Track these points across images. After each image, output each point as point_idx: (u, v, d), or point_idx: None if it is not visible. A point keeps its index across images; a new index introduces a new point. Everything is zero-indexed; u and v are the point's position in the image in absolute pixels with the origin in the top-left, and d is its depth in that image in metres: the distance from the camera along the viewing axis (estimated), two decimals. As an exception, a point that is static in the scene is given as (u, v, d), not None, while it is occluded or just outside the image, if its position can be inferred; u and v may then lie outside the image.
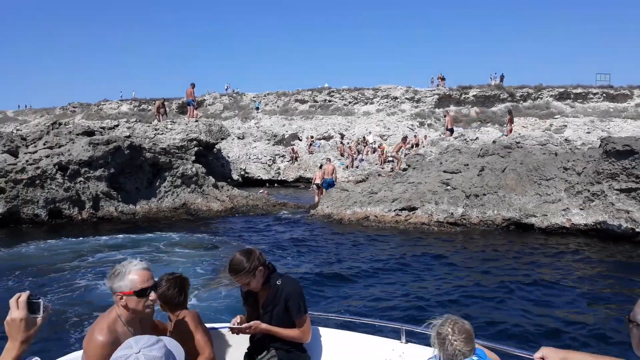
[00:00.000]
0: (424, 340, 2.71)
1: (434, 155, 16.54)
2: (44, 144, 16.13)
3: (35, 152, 15.57)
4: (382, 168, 26.67)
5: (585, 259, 9.64)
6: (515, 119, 31.96)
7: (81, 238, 12.35)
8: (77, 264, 9.51)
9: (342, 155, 31.95)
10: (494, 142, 16.12)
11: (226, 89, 53.15)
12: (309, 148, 34.84)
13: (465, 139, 18.54)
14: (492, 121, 38.69)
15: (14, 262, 9.77)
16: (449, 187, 14.09)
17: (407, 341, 3.03)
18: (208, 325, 2.97)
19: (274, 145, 36.27)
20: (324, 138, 37.88)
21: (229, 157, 29.03)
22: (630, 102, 40.98)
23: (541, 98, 42.66)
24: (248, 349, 3.05)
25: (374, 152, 30.70)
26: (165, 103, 25.26)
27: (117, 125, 21.31)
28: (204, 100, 49.65)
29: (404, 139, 26.47)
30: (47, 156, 15.21)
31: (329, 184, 18.11)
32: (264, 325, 2.86)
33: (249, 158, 33.42)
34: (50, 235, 12.59)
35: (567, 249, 10.56)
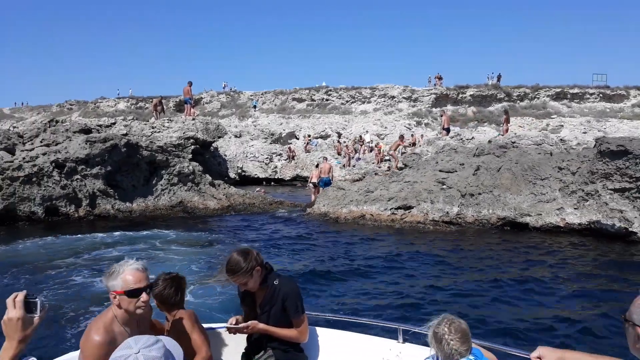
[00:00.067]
0: (421, 339, 2.73)
1: (430, 155, 16.61)
2: (41, 142, 16.14)
3: (32, 149, 15.58)
4: (379, 167, 26.72)
5: (579, 258, 9.72)
6: (512, 119, 32.08)
7: (78, 235, 12.37)
8: (74, 262, 9.54)
9: (339, 154, 32.00)
10: (489, 141, 16.20)
11: (224, 87, 53.15)
12: (306, 147, 34.88)
13: (461, 139, 18.64)
14: (489, 121, 38.79)
15: (11, 259, 9.79)
16: (444, 186, 14.16)
17: (404, 341, 3.03)
18: (205, 325, 2.97)
19: (271, 143, 36.28)
20: (321, 137, 37.92)
21: (226, 155, 29.05)
22: (627, 102, 41.17)
23: (538, 98, 42.82)
24: (245, 348, 3.05)
25: (370, 151, 30.77)
26: (163, 101, 25.26)
27: (114, 123, 21.30)
28: (202, 98, 49.62)
29: (401, 137, 26.53)
30: (44, 154, 15.22)
31: (326, 183, 18.16)
32: (261, 325, 2.86)
33: (246, 156, 33.45)
34: (47, 233, 12.61)
35: (561, 248, 10.64)
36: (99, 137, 16.21)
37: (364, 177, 21.23)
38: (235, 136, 37.04)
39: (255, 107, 46.16)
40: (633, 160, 11.09)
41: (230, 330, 2.91)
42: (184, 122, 20.25)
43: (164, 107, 25.24)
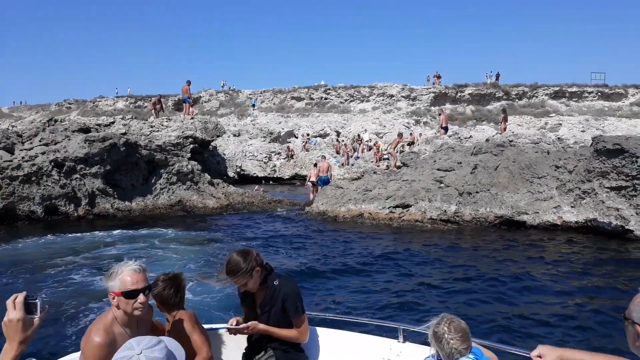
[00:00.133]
0: (421, 339, 2.75)
1: (428, 153, 16.67)
2: (40, 141, 16.17)
3: (31, 148, 15.61)
4: (378, 166, 26.76)
5: (576, 256, 9.78)
6: (510, 118, 32.16)
7: (77, 234, 12.43)
8: (73, 260, 9.58)
9: (337, 152, 32.05)
10: (487, 140, 16.26)
11: (222, 86, 53.13)
12: (304, 145, 34.92)
13: (459, 137, 18.68)
14: (487, 119, 38.84)
15: (10, 258, 9.83)
16: (442, 185, 14.22)
17: (404, 340, 3.03)
18: (206, 325, 2.97)
19: (270, 142, 36.32)
20: (320, 135, 37.96)
21: (224, 154, 29.09)
22: (625, 101, 41.26)
23: (536, 97, 42.88)
24: (246, 349, 3.05)
25: (369, 150, 30.82)
26: (162, 100, 25.28)
27: (113, 122, 21.32)
28: (200, 97, 49.61)
29: (400, 135, 26.55)
30: (43, 153, 15.25)
31: (324, 182, 18.22)
32: (261, 326, 2.86)
33: (245, 155, 33.49)
34: (47, 232, 12.65)
35: (558, 246, 10.70)
36: (97, 136, 16.24)
37: (362, 175, 21.26)
38: (234, 135, 37.07)
39: (254, 106, 46.17)
40: (629, 159, 11.16)
41: (231, 331, 2.91)
42: (182, 121, 20.29)
43: (163, 105, 25.24)
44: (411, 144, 26.94)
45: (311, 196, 18.53)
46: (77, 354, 2.43)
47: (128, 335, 2.23)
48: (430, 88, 44.37)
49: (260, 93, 49.27)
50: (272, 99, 48.16)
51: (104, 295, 6.33)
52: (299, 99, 47.02)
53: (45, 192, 14.49)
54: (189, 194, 17.66)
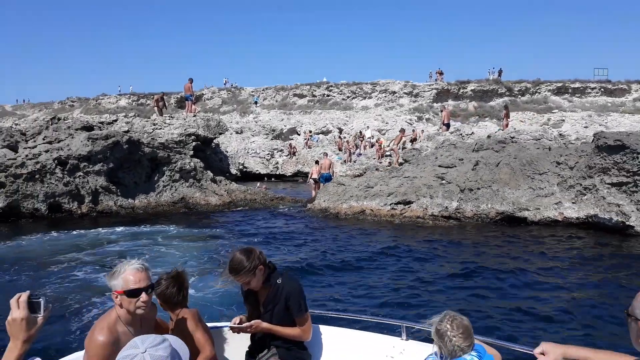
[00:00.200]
0: (424, 336, 2.75)
1: (429, 150, 16.69)
2: (44, 139, 16.27)
3: (35, 146, 15.71)
4: (380, 162, 26.81)
5: (577, 252, 9.79)
6: (513, 114, 32.10)
7: (81, 232, 12.53)
8: (77, 257, 9.66)
9: (340, 149, 32.09)
10: (488, 136, 16.27)
11: (225, 84, 53.20)
12: (306, 142, 34.97)
13: (461, 134, 18.69)
14: (490, 116, 38.79)
15: (15, 255, 9.93)
16: (443, 182, 14.25)
17: (407, 338, 3.03)
18: (209, 324, 2.99)
19: (272, 139, 36.40)
20: (322, 132, 37.99)
21: (227, 151, 29.18)
22: (628, 96, 41.11)
23: (539, 93, 42.79)
24: (249, 347, 3.07)
25: (371, 147, 30.84)
26: (164, 97, 25.34)
27: (115, 120, 21.44)
28: (203, 94, 49.70)
29: (402, 130, 26.57)
30: (47, 151, 15.35)
31: (326, 179, 18.27)
32: (264, 325, 2.87)
33: (247, 152, 33.57)
34: (50, 229, 12.76)
35: (559, 242, 10.73)
36: (100, 134, 16.33)
37: (364, 172, 21.33)
38: (237, 132, 37.14)
39: (256, 103, 46.22)
40: (630, 155, 11.16)
41: (234, 329, 2.92)
42: (185, 119, 20.36)
43: (166, 102, 25.30)
44: (413, 140, 26.98)
45: (313, 193, 18.59)
46: (81, 353, 2.45)
47: (131, 334, 2.24)
48: (432, 84, 44.33)
49: (263, 90, 49.30)
50: (274, 96, 48.19)
51: (107, 292, 6.41)
52: (301, 96, 47.04)
53: (49, 189, 14.60)
54: (191, 191, 17.75)
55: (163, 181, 17.47)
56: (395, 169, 16.74)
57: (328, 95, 46.08)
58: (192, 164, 18.07)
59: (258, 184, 24.21)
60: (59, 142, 16.08)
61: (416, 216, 13.67)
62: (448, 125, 22.39)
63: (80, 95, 56.07)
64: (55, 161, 15.08)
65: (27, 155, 14.92)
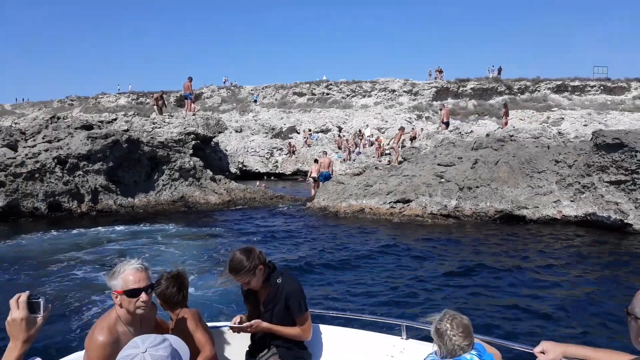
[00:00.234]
0: (424, 336, 2.75)
1: (428, 149, 16.72)
2: (43, 138, 16.29)
3: (35, 146, 15.73)
4: (379, 161, 26.84)
5: (576, 250, 9.82)
6: (513, 112, 32.14)
7: (80, 230, 12.55)
8: (77, 256, 9.68)
9: (339, 148, 32.11)
10: (487, 135, 16.29)
11: (224, 82, 53.18)
12: (306, 141, 34.98)
13: (460, 132, 18.72)
14: (489, 114, 38.84)
15: (14, 254, 9.94)
16: (442, 180, 14.28)
17: (407, 337, 3.03)
18: (209, 323, 3.00)
19: (271, 138, 36.41)
20: (322, 131, 38.02)
21: (226, 150, 29.20)
22: (628, 94, 41.13)
23: (539, 91, 42.80)
24: (249, 347, 3.08)
25: (371, 145, 30.86)
26: (164, 96, 25.35)
27: (115, 119, 21.46)
28: (202, 93, 49.69)
29: (402, 128, 26.62)
30: (46, 150, 15.37)
31: (326, 177, 18.29)
32: (264, 324, 2.88)
33: (247, 151, 33.59)
34: (50, 228, 12.78)
35: (558, 240, 10.75)
36: (100, 133, 16.34)
37: (364, 171, 21.35)
38: (236, 131, 37.15)
39: (255, 101, 46.23)
40: (628, 153, 11.19)
41: (234, 329, 2.93)
42: (184, 118, 20.38)
43: (165, 101, 25.32)
44: (413, 138, 27.01)
45: (312, 192, 18.62)
46: (81, 353, 2.46)
47: (132, 334, 2.24)
48: (432, 83, 44.34)
49: (262, 89, 49.31)
50: (273, 95, 48.20)
51: (107, 290, 6.43)
52: (300, 95, 47.04)
53: (49, 188, 14.62)
54: (191, 190, 17.77)
55: (163, 180, 17.50)
56: (395, 167, 16.77)
57: (327, 94, 46.09)
58: (191, 162, 18.09)
59: (257, 183, 24.24)
60: (58, 141, 16.10)
61: (415, 215, 13.70)
62: (447, 124, 22.42)
63: (79, 94, 56.11)
64: (55, 160, 15.09)
65: (26, 155, 14.94)
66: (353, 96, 45.33)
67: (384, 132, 34.95)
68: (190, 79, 22.24)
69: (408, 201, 14.18)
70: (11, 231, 12.56)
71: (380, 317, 3.63)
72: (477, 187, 13.49)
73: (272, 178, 31.32)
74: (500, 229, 12.02)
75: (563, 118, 35.55)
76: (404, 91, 43.87)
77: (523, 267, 8.39)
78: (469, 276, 7.93)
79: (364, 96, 45.01)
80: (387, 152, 27.12)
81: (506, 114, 22.51)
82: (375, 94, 44.68)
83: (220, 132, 21.99)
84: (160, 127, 19.52)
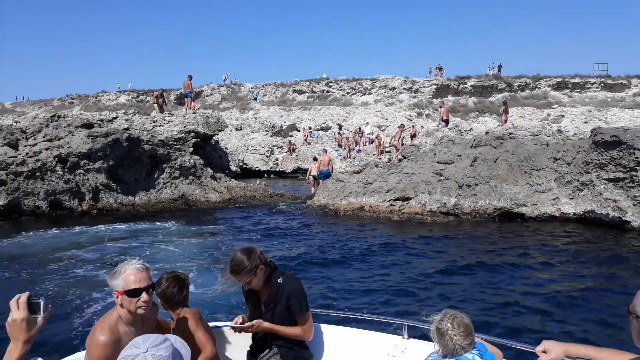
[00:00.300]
0: (426, 335, 2.76)
1: (428, 146, 16.75)
2: (44, 137, 16.33)
3: (35, 144, 15.77)
4: (379, 159, 26.87)
5: (575, 247, 9.85)
6: (513, 109, 32.16)
7: (82, 228, 12.61)
8: (77, 254, 9.74)
9: (339, 146, 32.14)
10: (486, 133, 16.33)
11: (224, 80, 53.22)
12: (306, 139, 35.01)
13: (460, 130, 18.75)
14: (489, 111, 38.83)
15: (16, 253, 10.00)
16: (442, 178, 14.32)
17: (409, 336, 3.02)
18: (210, 323, 3.01)
19: (272, 136, 36.43)
20: (322, 129, 38.04)
21: (227, 148, 29.23)
22: (628, 91, 41.12)
23: (539, 88, 42.80)
24: (250, 346, 3.08)
25: (371, 143, 30.89)
26: (164, 94, 25.39)
27: (115, 118, 21.51)
28: (202, 91, 49.71)
29: (402, 126, 26.66)
30: (47, 148, 15.42)
31: (326, 175, 18.33)
32: (266, 324, 2.88)
33: (247, 149, 33.61)
34: (51, 227, 12.83)
35: (556, 237, 10.79)
36: (100, 131, 16.39)
37: (364, 169, 21.38)
38: (236, 129, 37.18)
39: (256, 99, 46.26)
40: (627, 151, 11.22)
41: (235, 329, 2.93)
42: (184, 116, 20.42)
43: (165, 99, 25.36)
44: (413, 136, 27.03)
45: (312, 190, 18.66)
46: (83, 353, 2.47)
47: (133, 334, 2.25)
48: (432, 80, 44.35)
49: (262, 86, 49.33)
50: (274, 93, 48.21)
51: (108, 288, 6.48)
52: (300, 92, 47.05)
53: (50, 187, 14.68)
54: (191, 188, 17.82)
55: (163, 178, 17.55)
56: (394, 165, 16.81)
57: (328, 92, 46.10)
58: (191, 161, 18.14)
59: (258, 181, 24.29)
60: (59, 139, 16.15)
61: (415, 212, 13.74)
62: (447, 122, 22.45)
63: (79, 92, 56.19)
64: (56, 159, 15.14)
65: (27, 153, 14.99)
66: (353, 94, 45.34)
67: (384, 130, 34.97)
68: (190, 77, 22.28)
69: (407, 199, 14.23)
70: (12, 230, 12.61)
71: (382, 317, 3.64)
72: (476, 184, 13.53)
73: (272, 176, 31.35)
74: (499, 227, 12.06)
75: (563, 115, 35.56)
76: (404, 89, 43.88)
77: (522, 265, 8.43)
78: (469, 274, 7.96)
79: (364, 94, 45.02)
80: (387, 149, 27.15)
81: (506, 112, 22.54)
82: (376, 92, 44.69)
83: (220, 130, 22.03)
84: (160, 126, 19.56)
